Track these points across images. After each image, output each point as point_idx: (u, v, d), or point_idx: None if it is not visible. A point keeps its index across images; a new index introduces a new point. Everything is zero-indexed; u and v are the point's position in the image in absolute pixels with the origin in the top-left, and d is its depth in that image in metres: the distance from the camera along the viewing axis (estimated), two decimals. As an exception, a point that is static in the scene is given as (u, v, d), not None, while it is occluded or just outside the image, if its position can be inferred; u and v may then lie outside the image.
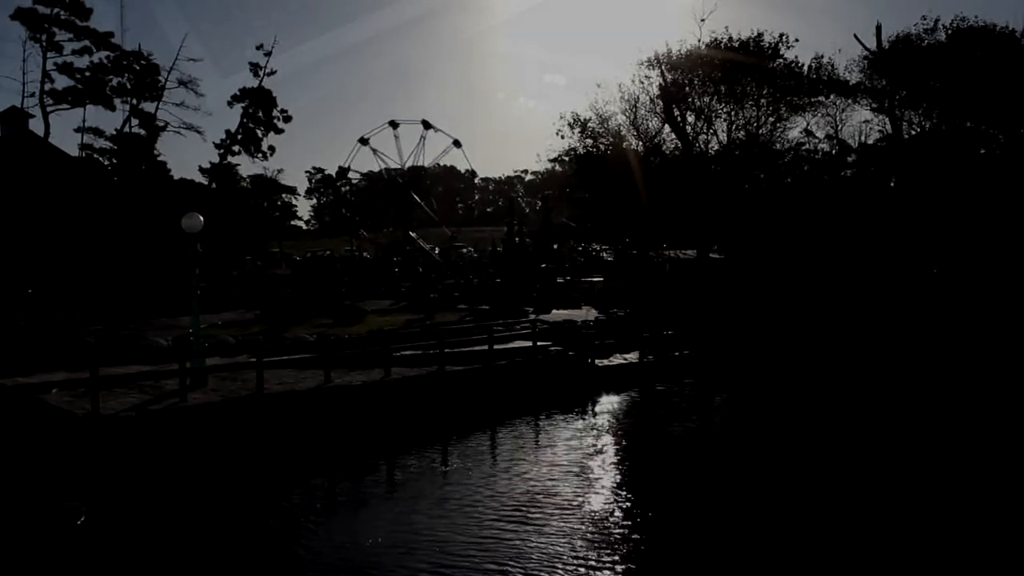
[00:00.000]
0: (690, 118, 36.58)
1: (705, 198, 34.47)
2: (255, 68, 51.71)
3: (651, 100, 36.56)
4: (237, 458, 14.97)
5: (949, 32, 34.54)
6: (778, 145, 37.04)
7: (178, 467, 14.13)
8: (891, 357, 25.43)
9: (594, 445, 16.66)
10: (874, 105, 36.47)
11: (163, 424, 14.82)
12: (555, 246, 56.14)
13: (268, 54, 51.42)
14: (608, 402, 21.29)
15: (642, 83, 36.46)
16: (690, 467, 15.63)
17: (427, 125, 54.62)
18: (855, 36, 37.27)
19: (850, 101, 36.58)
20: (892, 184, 37.52)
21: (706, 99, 36.20)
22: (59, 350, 20.36)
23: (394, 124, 55.42)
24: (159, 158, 51.05)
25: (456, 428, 17.88)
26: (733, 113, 36.31)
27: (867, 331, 27.94)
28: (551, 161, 44.11)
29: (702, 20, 37.22)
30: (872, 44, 36.31)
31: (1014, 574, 10.21)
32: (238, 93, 52.49)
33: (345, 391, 17.71)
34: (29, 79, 49.81)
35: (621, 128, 37.52)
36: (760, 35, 35.83)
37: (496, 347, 21.63)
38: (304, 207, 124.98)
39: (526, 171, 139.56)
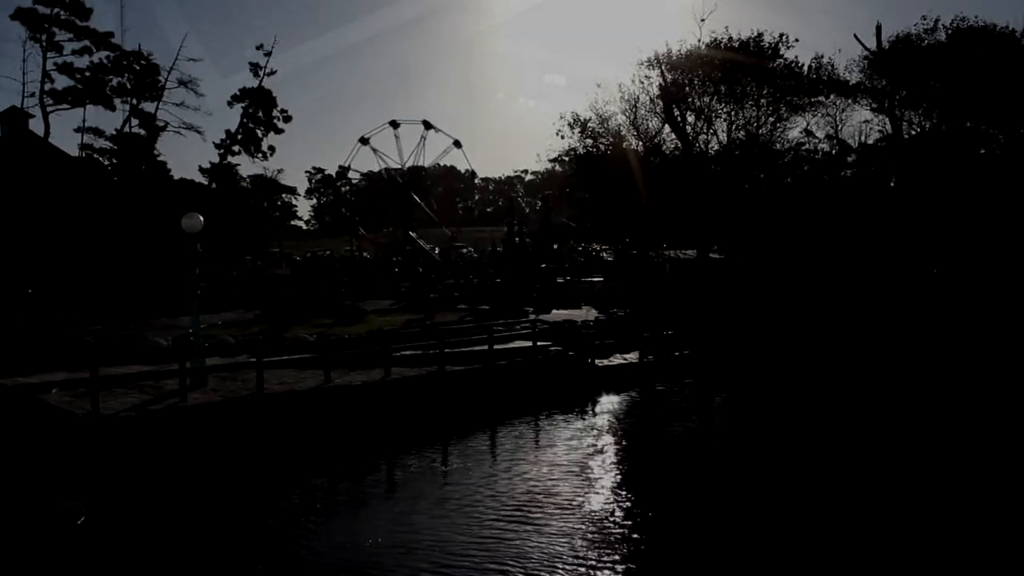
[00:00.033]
0: (690, 118, 36.63)
1: (705, 198, 34.47)
2: (255, 68, 51.81)
3: (651, 100, 36.62)
4: (237, 458, 14.97)
5: (949, 32, 34.56)
6: (778, 145, 37.08)
7: (178, 467, 14.13)
8: (891, 357, 25.42)
9: (594, 445, 16.65)
10: (874, 105, 36.50)
11: (163, 424, 14.82)
12: (555, 246, 56.14)
13: (268, 54, 51.53)
14: (608, 402, 21.29)
15: (642, 83, 36.53)
16: (690, 467, 15.63)
17: (428, 125, 54.65)
18: (855, 36, 37.34)
19: (850, 101, 36.62)
20: (892, 184, 37.52)
21: (706, 99, 36.23)
22: (59, 350, 20.36)
23: (395, 124, 55.43)
24: (159, 158, 51.15)
25: (456, 428, 17.88)
26: (733, 113, 36.35)
27: (867, 331, 27.94)
28: (551, 161, 44.14)
29: (702, 20, 37.29)
30: (872, 44, 36.36)
31: (1014, 574, 10.21)
32: (238, 93, 52.59)
33: (345, 391, 17.71)
34: (29, 79, 49.92)
35: (621, 128, 37.57)
36: (760, 35, 35.89)
37: (496, 347, 21.62)
38: (304, 207, 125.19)
39: (526, 171, 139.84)
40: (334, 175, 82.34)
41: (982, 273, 31.20)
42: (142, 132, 48.92)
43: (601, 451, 16.30)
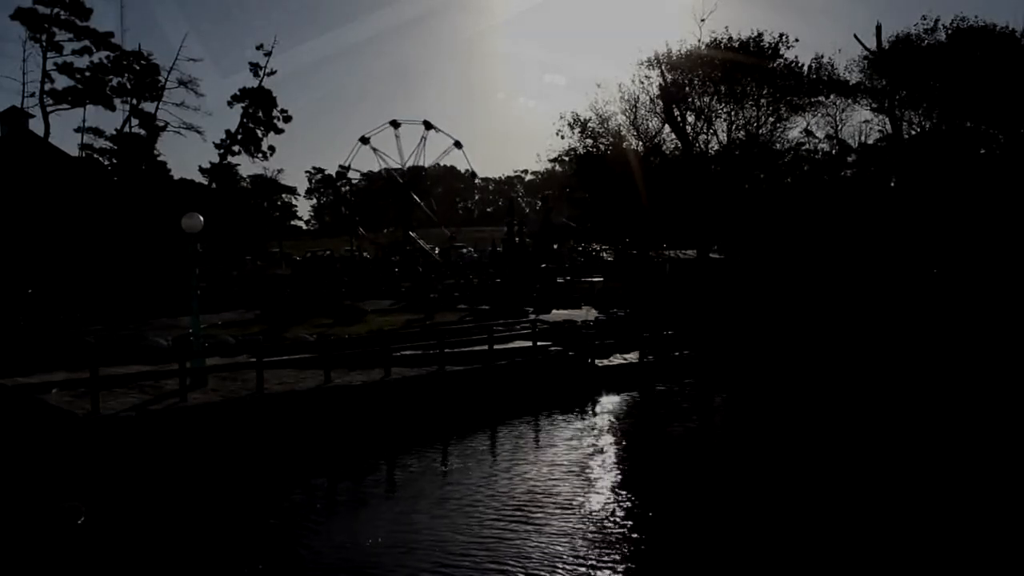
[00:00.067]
0: (690, 118, 36.64)
1: (705, 198, 34.47)
2: (255, 68, 51.79)
3: (651, 100, 36.63)
4: (237, 458, 14.96)
5: (949, 32, 34.58)
6: (778, 145, 37.11)
7: (178, 467, 14.13)
8: (891, 357, 25.42)
9: (594, 445, 16.66)
10: (874, 105, 36.51)
11: (163, 424, 14.82)
12: (555, 246, 56.14)
13: (268, 54, 51.52)
14: (608, 402, 21.29)
15: (642, 83, 36.54)
16: (690, 467, 15.63)
17: (428, 126, 54.60)
18: (855, 36, 37.36)
19: (850, 101, 36.64)
20: (892, 184, 37.53)
21: (706, 99, 36.25)
22: (59, 350, 20.36)
23: (395, 124, 55.39)
24: (159, 158, 51.14)
25: (456, 428, 17.89)
26: (733, 113, 36.36)
27: (867, 331, 27.94)
28: (551, 161, 44.18)
29: (702, 20, 37.31)
30: (872, 44, 36.38)
31: (1014, 574, 10.21)
32: (238, 93, 52.57)
33: (345, 391, 17.71)
34: (29, 79, 49.90)
35: (621, 128, 37.59)
36: (760, 35, 35.91)
37: (496, 347, 21.62)
38: (304, 207, 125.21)
39: (526, 171, 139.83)
40: (334, 175, 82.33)
41: (982, 273, 31.20)
42: (142, 132, 48.95)
43: (601, 451, 16.30)
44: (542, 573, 9.81)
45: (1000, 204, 31.60)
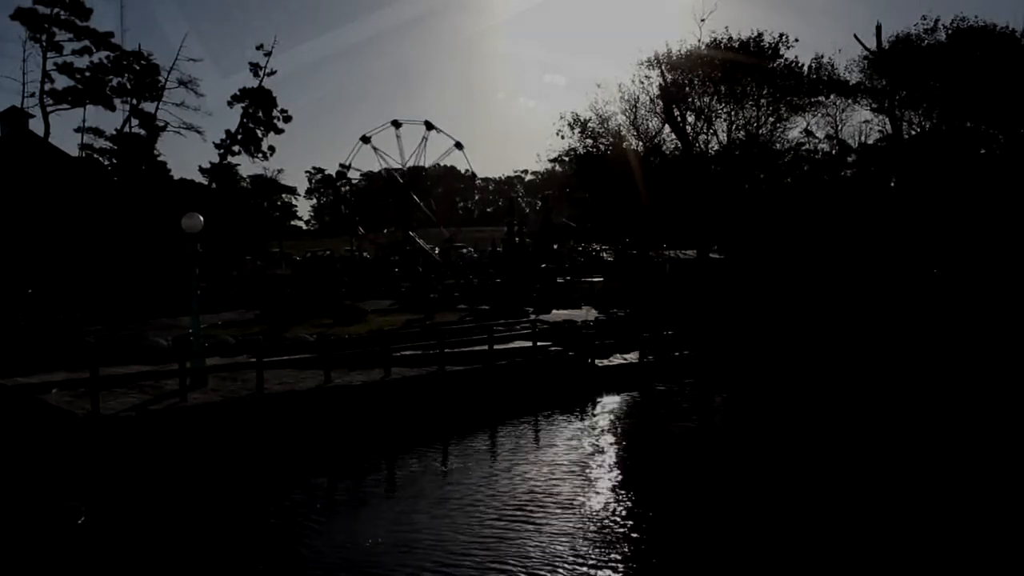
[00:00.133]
0: (690, 118, 36.61)
1: (705, 198, 34.46)
2: (255, 68, 51.81)
3: (651, 100, 36.60)
4: (237, 458, 14.96)
5: (949, 32, 34.56)
6: (778, 145, 37.07)
7: (178, 467, 14.12)
8: (891, 357, 25.42)
9: (594, 445, 16.66)
10: (874, 105, 36.49)
11: (163, 424, 14.81)
12: (555, 246, 56.14)
13: (268, 54, 51.54)
14: (608, 402, 21.28)
15: (642, 83, 36.51)
16: (690, 467, 15.63)
17: (429, 126, 54.60)
18: (855, 36, 37.33)
19: (850, 101, 36.61)
20: (892, 184, 37.52)
21: (706, 99, 36.21)
22: (59, 350, 20.35)
23: (396, 124, 55.41)
24: (159, 158, 51.17)
25: (456, 428, 17.89)
26: (733, 113, 36.33)
27: (867, 331, 27.93)
28: (551, 161, 44.12)
29: (702, 20, 37.28)
30: (872, 44, 36.36)
31: (1014, 574, 10.21)
32: (238, 93, 52.60)
33: (345, 391, 17.70)
34: (29, 79, 49.92)
35: (621, 128, 37.55)
36: (760, 35, 35.88)
37: (496, 347, 21.62)
38: (304, 207, 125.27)
39: (526, 171, 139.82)
40: (334, 174, 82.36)
41: (982, 273, 31.20)
42: (142, 132, 48.96)
43: (601, 451, 16.30)
44: (543, 573, 9.80)
45: (1000, 204, 31.60)
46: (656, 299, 32.77)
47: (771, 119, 36.14)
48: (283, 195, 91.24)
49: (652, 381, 23.70)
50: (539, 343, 23.28)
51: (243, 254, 53.36)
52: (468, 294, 38.01)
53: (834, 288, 31.02)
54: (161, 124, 48.92)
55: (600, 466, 15.16)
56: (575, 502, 12.58)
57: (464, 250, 66.18)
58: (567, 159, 40.30)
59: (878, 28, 36.38)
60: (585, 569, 9.92)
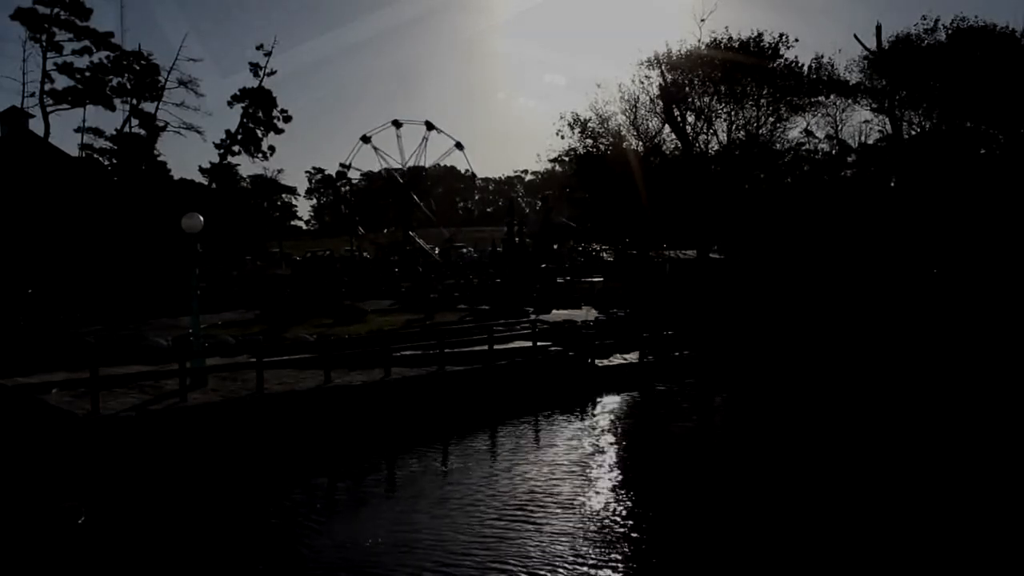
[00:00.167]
0: (690, 118, 36.62)
1: (705, 198, 34.47)
2: (255, 68, 51.78)
3: (651, 100, 36.60)
4: (237, 458, 14.96)
5: (949, 32, 34.57)
6: (778, 145, 37.08)
7: (178, 467, 14.12)
8: (891, 357, 25.42)
9: (594, 445, 16.66)
10: (874, 105, 36.50)
11: (163, 424, 14.81)
12: (555, 246, 56.11)
13: (268, 54, 51.50)
14: (608, 402, 21.28)
15: (642, 83, 36.51)
16: (690, 467, 15.63)
17: (430, 126, 54.57)
18: (855, 36, 37.33)
19: (850, 101, 36.62)
20: (892, 184, 37.52)
21: (706, 99, 36.23)
22: (59, 350, 20.35)
23: (397, 124, 55.39)
24: (159, 158, 51.17)
25: (456, 428, 17.89)
26: (733, 113, 36.34)
27: (867, 331, 27.93)
28: (551, 161, 44.14)
29: (702, 20, 37.31)
30: (872, 44, 36.37)
31: (1014, 574, 10.21)
32: (238, 93, 52.57)
33: (345, 391, 17.70)
34: (29, 79, 49.81)
35: (621, 128, 37.55)
36: (760, 35, 35.89)
37: (496, 347, 21.61)
38: (304, 207, 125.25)
39: (526, 171, 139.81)
40: (334, 174, 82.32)
41: (982, 273, 31.20)
42: (142, 132, 48.96)
43: (601, 451, 16.30)
44: (543, 572, 9.80)
45: (1000, 204, 31.60)
46: (656, 299, 32.77)
47: (771, 119, 36.18)
48: (283, 195, 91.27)
49: (652, 381, 23.70)
50: (539, 343, 23.28)
51: (243, 254, 53.36)
52: (468, 294, 37.99)
53: (834, 288, 31.01)
54: (161, 124, 48.96)
55: (600, 466, 15.16)
56: (575, 502, 12.58)
57: (464, 250, 66.15)
58: (567, 159, 40.33)
59: (878, 28, 36.44)
60: (585, 569, 9.92)
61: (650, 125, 37.18)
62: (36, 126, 41.75)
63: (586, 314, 31.64)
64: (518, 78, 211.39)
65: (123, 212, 36.29)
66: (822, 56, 37.00)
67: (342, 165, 59.87)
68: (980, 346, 25.99)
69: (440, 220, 63.74)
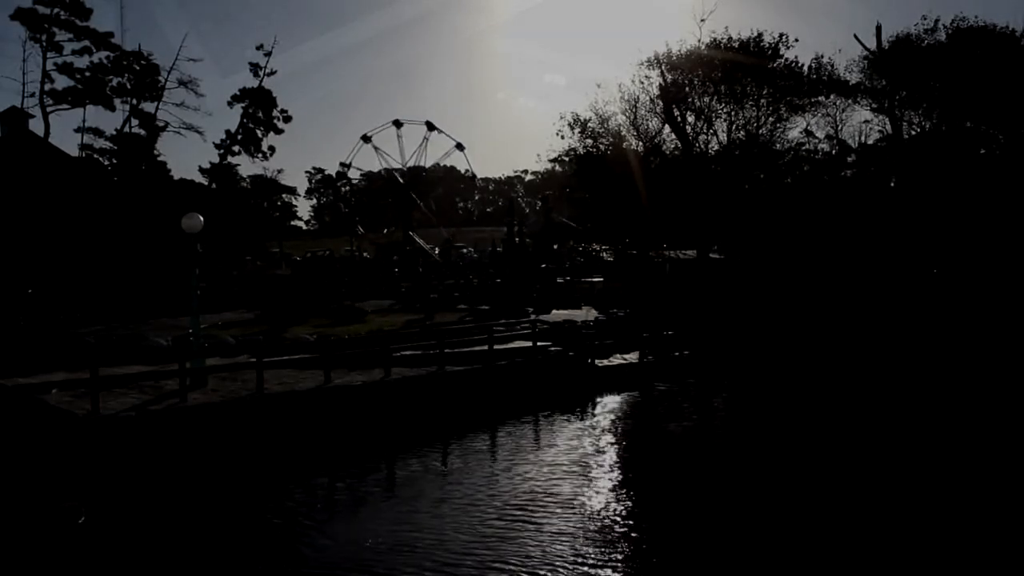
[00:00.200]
0: (690, 118, 36.61)
1: (705, 198, 34.46)
2: (255, 68, 51.84)
3: (651, 100, 36.57)
4: (238, 458, 14.96)
5: (949, 32, 34.58)
6: (778, 145, 37.08)
7: (178, 467, 14.12)
8: (891, 357, 25.42)
9: (594, 445, 16.65)
10: (874, 105, 36.50)
11: (163, 424, 14.81)
12: (555, 246, 56.12)
13: (268, 54, 51.56)
14: (608, 402, 21.28)
15: (642, 83, 36.49)
16: (690, 466, 15.63)
17: (431, 127, 54.58)
18: (855, 36, 37.33)
19: (850, 101, 36.62)
20: (892, 184, 37.53)
21: (706, 99, 36.22)
22: (59, 350, 20.35)
23: (398, 124, 55.40)
24: (159, 158, 51.20)
25: (456, 428, 17.88)
26: (733, 113, 36.34)
27: (867, 331, 27.94)
28: (551, 161, 44.10)
29: (702, 20, 37.29)
30: (872, 44, 36.37)
31: (1014, 574, 10.21)
32: (238, 93, 52.64)
33: (345, 391, 17.70)
34: (29, 79, 49.87)
35: (621, 128, 37.53)
36: (760, 35, 35.89)
37: (496, 347, 21.62)
38: (304, 207, 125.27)
39: (526, 171, 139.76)
40: (334, 174, 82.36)
41: (982, 273, 31.20)
42: (142, 132, 49.00)
43: (601, 451, 16.30)
44: (544, 572, 9.80)
45: (1000, 204, 31.60)
46: (656, 299, 32.77)
47: (771, 119, 36.18)
48: (283, 195, 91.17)
49: (652, 381, 23.70)
50: (539, 343, 23.28)
51: (243, 254, 53.31)
52: (468, 294, 38.00)
53: (834, 288, 31.02)
54: (161, 124, 49.00)
55: (600, 466, 15.16)
56: (575, 502, 12.58)
57: (464, 250, 66.16)
58: (567, 159, 40.29)
59: (878, 28, 36.45)
60: (585, 569, 9.92)
61: (650, 125, 37.22)
62: (36, 126, 41.88)
63: (586, 314, 31.64)
64: (518, 78, 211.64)
65: (123, 212, 36.27)
66: (822, 56, 37.05)
67: (342, 164, 59.94)
68: (980, 346, 25.99)
69: (440, 220, 63.74)
